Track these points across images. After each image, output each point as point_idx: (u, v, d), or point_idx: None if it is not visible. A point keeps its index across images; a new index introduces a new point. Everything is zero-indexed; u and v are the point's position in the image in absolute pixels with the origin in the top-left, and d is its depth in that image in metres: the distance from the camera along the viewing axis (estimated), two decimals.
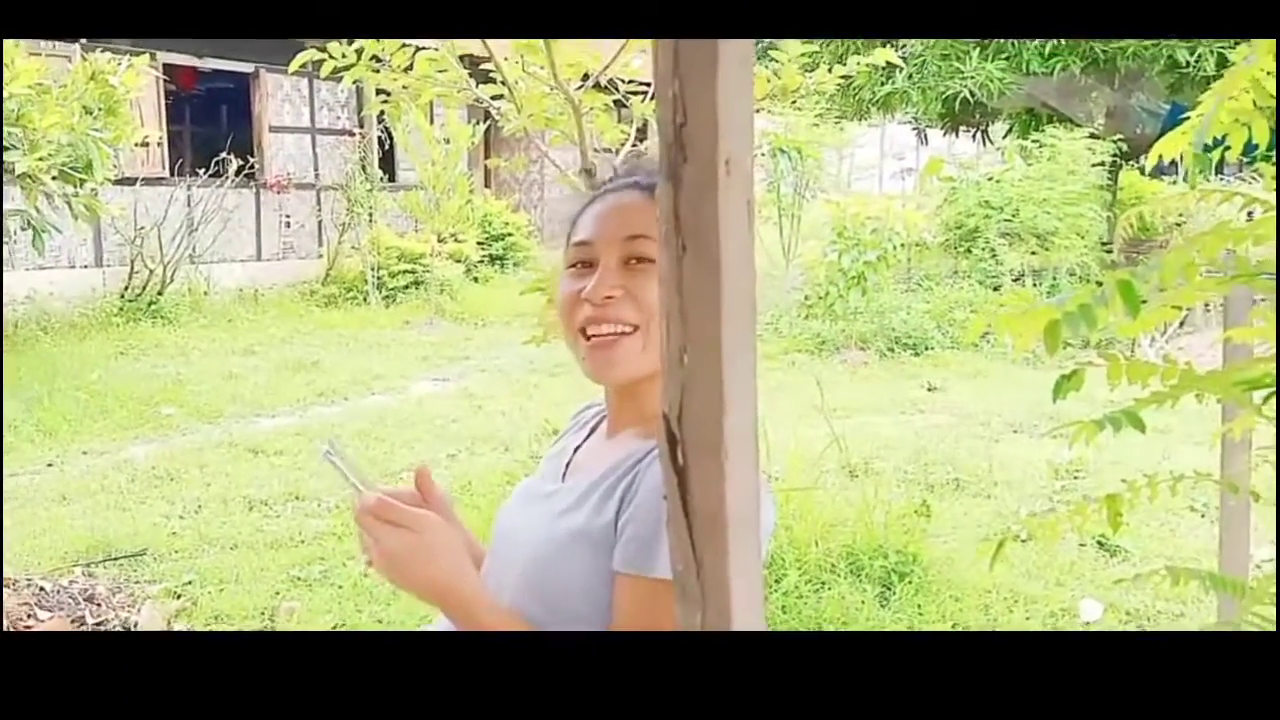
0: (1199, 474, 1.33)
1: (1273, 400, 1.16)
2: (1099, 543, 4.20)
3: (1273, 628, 1.17)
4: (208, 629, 3.54)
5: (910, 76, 12.15)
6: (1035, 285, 9.78)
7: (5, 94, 6.46)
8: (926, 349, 8.90)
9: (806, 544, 3.76)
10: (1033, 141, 11.08)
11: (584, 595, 1.11)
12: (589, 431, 1.27)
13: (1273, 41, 1.15)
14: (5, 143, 6.48)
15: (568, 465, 1.24)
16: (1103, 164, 10.79)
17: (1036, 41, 11.30)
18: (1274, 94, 1.26)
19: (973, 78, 11.52)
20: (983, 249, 10.44)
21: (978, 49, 11.60)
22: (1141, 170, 15.80)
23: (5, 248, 7.91)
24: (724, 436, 0.69)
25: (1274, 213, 1.20)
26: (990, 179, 11.00)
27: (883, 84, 12.43)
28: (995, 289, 9.90)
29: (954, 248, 11.02)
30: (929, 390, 7.62)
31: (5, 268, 9.51)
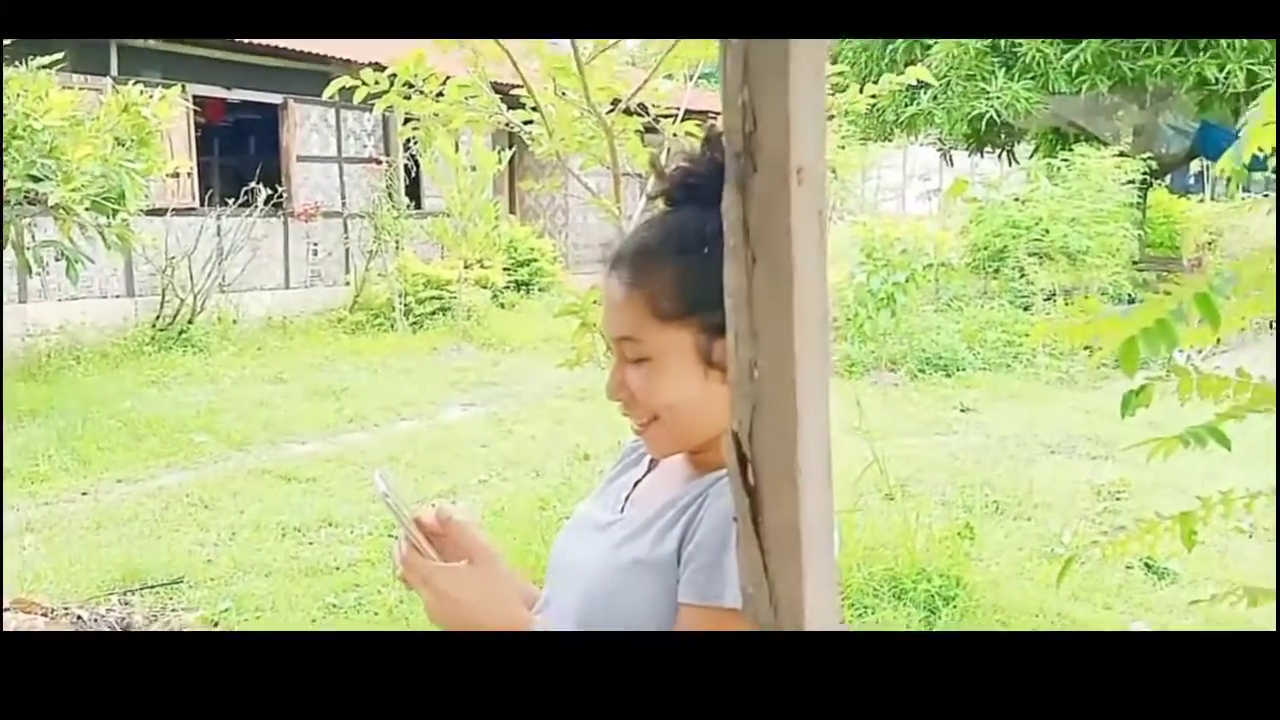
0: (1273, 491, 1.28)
1: None
2: (1146, 565, 4.12)
3: None
4: None
5: (935, 97, 12.14)
6: (1068, 304, 9.69)
7: (39, 125, 6.54)
8: (958, 370, 8.82)
9: (848, 568, 3.71)
10: (1061, 160, 11.02)
11: (643, 626, 1.09)
12: (649, 466, 1.24)
13: None
14: (39, 174, 6.56)
15: (627, 498, 1.22)
16: (1132, 182, 10.71)
17: (1063, 60, 11.27)
18: None
19: (998, 97, 11.50)
20: (1012, 269, 10.36)
21: (1003, 69, 11.58)
22: (1170, 189, 15.65)
23: (39, 278, 7.99)
24: (798, 452, 0.66)
25: None
26: (1017, 199, 10.93)
27: (907, 105, 12.43)
28: (1026, 309, 9.81)
29: (981, 268, 10.94)
30: (962, 411, 7.55)
31: (38, 298, 9.63)
